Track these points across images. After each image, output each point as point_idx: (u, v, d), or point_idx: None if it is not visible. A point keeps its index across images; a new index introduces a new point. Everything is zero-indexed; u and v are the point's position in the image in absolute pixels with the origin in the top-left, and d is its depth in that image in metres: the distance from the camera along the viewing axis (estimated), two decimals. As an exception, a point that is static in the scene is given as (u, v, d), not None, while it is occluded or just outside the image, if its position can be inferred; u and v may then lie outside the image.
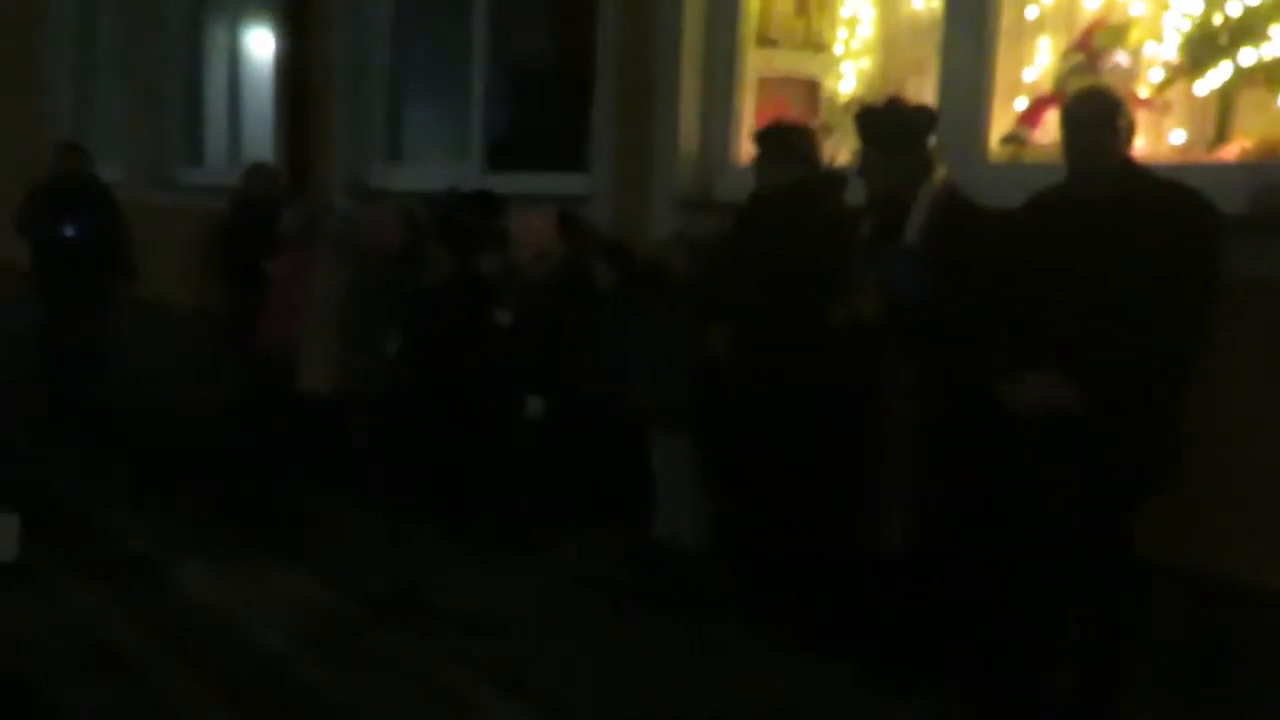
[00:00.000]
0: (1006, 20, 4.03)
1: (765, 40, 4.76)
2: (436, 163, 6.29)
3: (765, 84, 4.78)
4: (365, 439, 4.97)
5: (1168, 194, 2.90)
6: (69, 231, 6.28)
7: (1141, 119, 3.65)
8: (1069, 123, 2.98)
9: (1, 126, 10.06)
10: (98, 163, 9.24)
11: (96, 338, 6.54)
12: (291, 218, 5.42)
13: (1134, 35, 3.70)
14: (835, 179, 3.84)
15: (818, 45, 4.83)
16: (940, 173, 3.35)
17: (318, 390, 5.10)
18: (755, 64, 4.75)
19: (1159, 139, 3.68)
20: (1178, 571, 3.18)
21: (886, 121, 3.34)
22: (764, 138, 3.80)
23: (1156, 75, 3.67)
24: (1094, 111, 2.94)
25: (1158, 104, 3.64)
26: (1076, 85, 3.70)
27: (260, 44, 7.72)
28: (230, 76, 8.08)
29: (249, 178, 6.22)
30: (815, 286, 3.39)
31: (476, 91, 5.96)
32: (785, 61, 4.81)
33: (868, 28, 4.77)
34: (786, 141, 3.72)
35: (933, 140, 3.39)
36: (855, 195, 3.67)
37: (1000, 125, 3.99)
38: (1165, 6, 3.63)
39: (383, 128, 6.68)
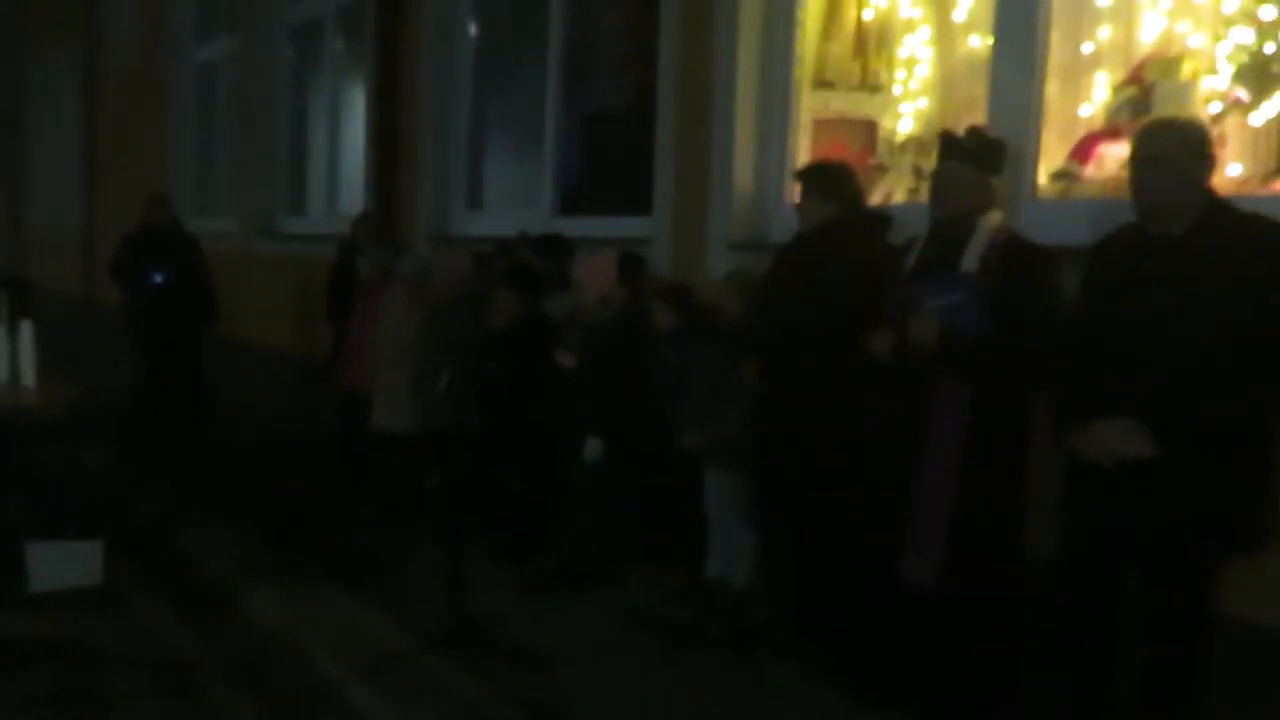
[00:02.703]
0: (1061, 57, 4.01)
1: (821, 82, 4.81)
2: (512, 209, 6.50)
3: (822, 125, 4.82)
4: (434, 476, 5.12)
5: (1251, 229, 2.73)
6: (157, 279, 6.70)
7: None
8: (1134, 158, 2.86)
9: (129, 187, 10.80)
10: (214, 215, 9.93)
11: (191, 376, 6.93)
12: (367, 262, 5.67)
13: (1187, 67, 3.62)
14: (878, 218, 3.84)
15: (874, 86, 4.86)
16: (997, 214, 3.34)
17: (391, 428, 5.29)
18: (812, 106, 4.81)
19: (1217, 172, 3.57)
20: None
21: (969, 142, 3.35)
22: (804, 176, 3.84)
23: (1215, 107, 3.58)
24: (1158, 147, 2.80)
25: (1214, 136, 3.54)
26: (1126, 119, 3.65)
27: (356, 104, 8.14)
28: (330, 134, 8.53)
29: (357, 224, 6.56)
30: (848, 322, 3.40)
31: (549, 141, 6.17)
32: (842, 103, 4.84)
33: (925, 68, 4.79)
34: (826, 180, 3.75)
35: (998, 180, 3.38)
36: (898, 237, 3.68)
37: (1054, 162, 3.95)
38: (1220, 37, 3.55)
39: (464, 178, 6.96)
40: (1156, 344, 2.71)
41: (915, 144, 4.63)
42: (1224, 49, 3.50)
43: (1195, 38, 3.75)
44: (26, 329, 4.86)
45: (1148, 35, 3.89)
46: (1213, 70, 3.56)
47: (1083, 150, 3.81)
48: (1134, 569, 2.85)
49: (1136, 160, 2.85)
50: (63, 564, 4.31)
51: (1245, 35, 3.41)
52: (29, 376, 4.81)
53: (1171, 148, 2.78)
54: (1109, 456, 2.76)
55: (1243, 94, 3.43)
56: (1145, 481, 2.72)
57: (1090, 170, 3.77)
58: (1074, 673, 2.99)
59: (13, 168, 16.44)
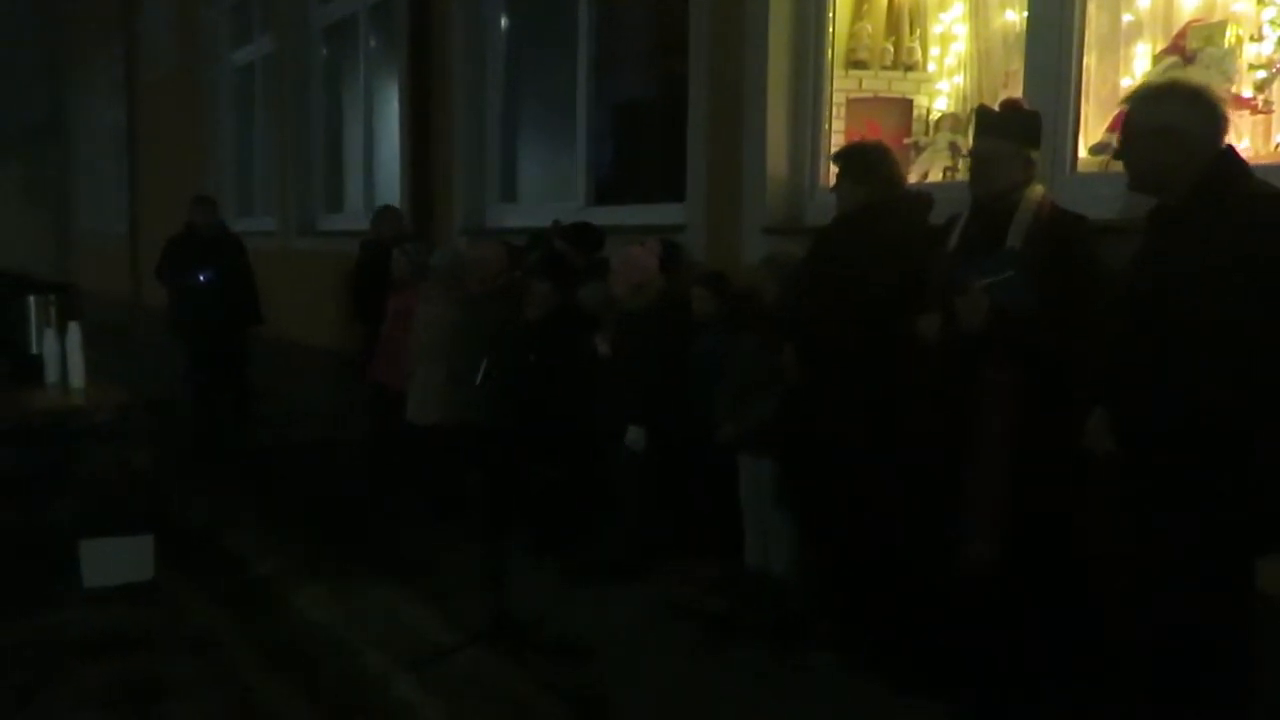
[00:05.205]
0: (1099, 27, 3.93)
1: (854, 62, 4.76)
2: (547, 201, 6.51)
3: (856, 105, 4.76)
4: (471, 469, 5.15)
5: (1254, 198, 2.55)
6: (200, 278, 6.80)
7: (1244, 120, 3.49)
8: (1123, 128, 2.78)
9: (172, 189, 10.97)
10: (254, 215, 10.06)
11: (236, 375, 7.02)
12: (401, 257, 5.70)
13: (1230, 34, 3.52)
14: (916, 199, 3.79)
15: (908, 65, 4.79)
16: (1039, 188, 3.28)
17: (426, 422, 5.31)
18: (845, 86, 4.76)
19: (1264, 140, 3.49)
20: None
21: (1005, 116, 3.28)
22: (841, 159, 3.80)
23: (1259, 75, 3.48)
24: (1144, 117, 2.68)
25: (1259, 104, 3.45)
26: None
27: (390, 101, 8.19)
28: (365, 131, 8.59)
29: (377, 220, 6.60)
30: (890, 304, 3.35)
31: (581, 132, 6.16)
32: (876, 82, 4.79)
33: (960, 44, 4.71)
34: (863, 162, 3.70)
35: (1036, 154, 3.31)
36: (940, 215, 3.62)
37: (1094, 135, 3.86)
38: (1264, 3, 3.45)
39: (498, 171, 6.98)
40: (1139, 326, 2.59)
41: (951, 121, 4.57)
42: (1268, 14, 3.40)
43: (1239, 3, 3.64)
44: (74, 331, 4.94)
45: (1189, 2, 3.79)
46: (1257, 36, 3.46)
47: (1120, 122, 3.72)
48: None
49: (1121, 132, 2.71)
50: (115, 560, 4.38)
51: (1290, -2, 3.31)
52: (78, 378, 4.90)
53: (1150, 121, 2.65)
54: (1094, 447, 2.70)
55: (1291, 60, 3.33)
56: (1140, 477, 2.61)
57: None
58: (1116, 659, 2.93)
59: (58, 174, 16.77)
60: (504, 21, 6.95)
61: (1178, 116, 2.63)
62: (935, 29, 4.81)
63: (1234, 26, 3.53)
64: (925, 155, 4.54)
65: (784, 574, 4.14)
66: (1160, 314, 2.54)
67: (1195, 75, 3.43)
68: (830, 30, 4.70)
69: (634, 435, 4.52)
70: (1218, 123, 2.66)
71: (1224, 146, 2.67)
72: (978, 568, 3.18)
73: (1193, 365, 2.46)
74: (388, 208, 6.85)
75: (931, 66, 4.83)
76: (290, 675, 3.68)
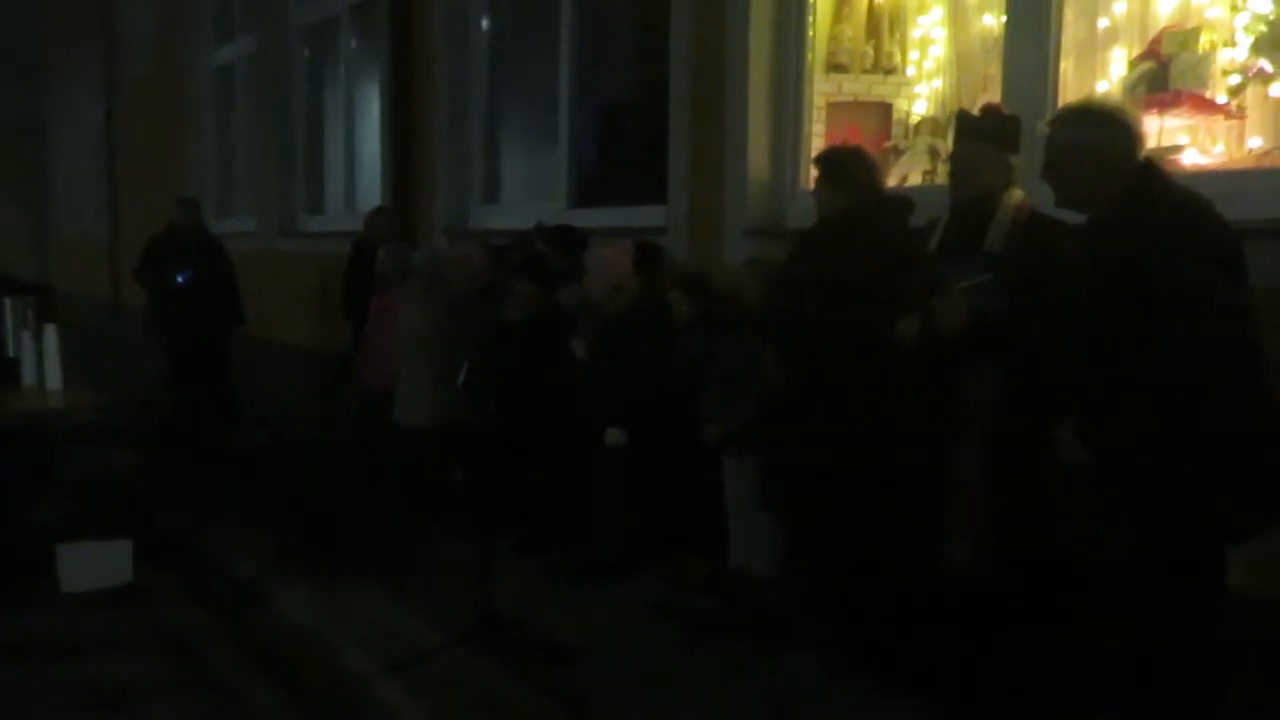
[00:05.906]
0: (1077, 32, 3.98)
1: (834, 66, 4.79)
2: (529, 202, 6.51)
3: (836, 109, 4.79)
4: (457, 470, 5.15)
5: (1173, 210, 2.60)
6: (180, 279, 6.78)
7: (1218, 125, 3.55)
8: (1046, 150, 2.82)
9: (152, 190, 10.91)
10: (235, 216, 10.02)
11: (217, 376, 7.00)
12: (384, 258, 5.70)
13: (1205, 39, 3.56)
14: (896, 202, 3.81)
15: (888, 68, 4.82)
16: (1018, 192, 3.31)
17: (413, 423, 5.31)
18: (825, 89, 4.79)
19: (1238, 145, 3.54)
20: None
21: (986, 121, 3.32)
22: (820, 163, 3.82)
23: (1234, 80, 3.53)
24: (1063, 139, 2.76)
25: (1233, 109, 3.50)
26: (1144, 94, 3.61)
27: (371, 101, 8.18)
28: (346, 132, 8.58)
29: (370, 221, 6.60)
30: (869, 308, 3.38)
31: (564, 134, 6.17)
32: (856, 86, 4.81)
33: (939, 48, 4.75)
34: (835, 168, 3.72)
35: (1015, 158, 3.34)
36: (919, 219, 3.65)
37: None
38: (1238, 8, 3.50)
39: (480, 172, 6.98)
40: (1089, 338, 2.65)
41: (930, 125, 4.59)
42: (1242, 20, 3.45)
43: (1213, 9, 3.69)
44: (51, 333, 4.92)
45: (1164, 8, 3.83)
46: (1231, 42, 3.51)
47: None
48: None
49: (1053, 149, 2.78)
50: (93, 564, 4.36)
51: (1263, 5, 3.36)
52: (55, 380, 4.87)
53: (1062, 144, 2.73)
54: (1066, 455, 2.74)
55: (1266, 65, 3.37)
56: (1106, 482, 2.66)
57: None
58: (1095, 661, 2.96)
59: (37, 175, 16.65)
60: (486, 23, 6.95)
61: (1093, 137, 2.72)
62: (914, 33, 4.84)
63: (1208, 32, 3.58)
64: (905, 159, 4.57)
65: (766, 573, 4.16)
66: (1103, 324, 2.60)
67: (1172, 81, 3.49)
68: (810, 34, 4.72)
69: (613, 435, 4.53)
70: (1133, 140, 2.75)
71: (1144, 159, 2.76)
72: (959, 567, 3.21)
73: (1137, 375, 2.52)
74: (381, 208, 6.87)
75: (911, 70, 4.86)
76: (272, 677, 3.67)
